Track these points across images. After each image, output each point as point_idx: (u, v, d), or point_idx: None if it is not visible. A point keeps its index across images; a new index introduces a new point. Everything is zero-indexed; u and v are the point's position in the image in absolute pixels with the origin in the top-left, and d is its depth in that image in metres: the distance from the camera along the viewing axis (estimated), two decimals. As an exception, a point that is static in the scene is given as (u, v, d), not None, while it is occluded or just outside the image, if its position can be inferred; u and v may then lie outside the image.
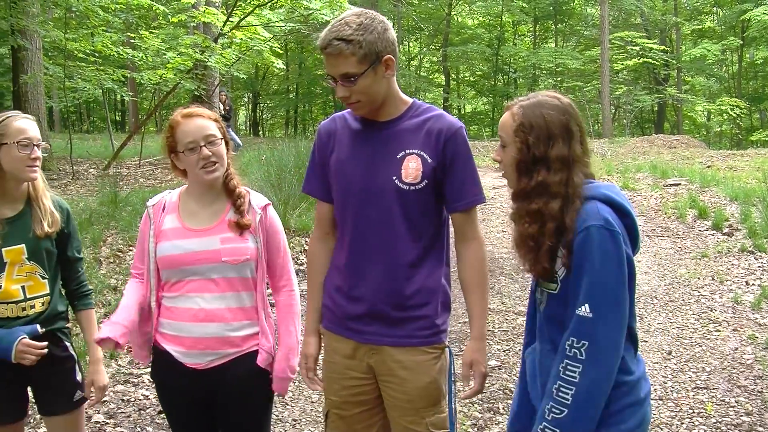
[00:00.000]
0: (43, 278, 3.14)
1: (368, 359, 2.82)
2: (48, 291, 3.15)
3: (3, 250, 3.02)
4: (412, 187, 2.70)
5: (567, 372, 2.29)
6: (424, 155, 2.71)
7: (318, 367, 3.05)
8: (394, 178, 2.71)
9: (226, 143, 3.01)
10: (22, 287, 3.07)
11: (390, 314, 2.76)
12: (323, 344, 3.02)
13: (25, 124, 3.07)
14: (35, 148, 3.07)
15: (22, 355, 2.96)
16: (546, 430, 2.31)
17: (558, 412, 2.29)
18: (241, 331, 2.91)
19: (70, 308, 3.34)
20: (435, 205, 2.79)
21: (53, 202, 3.21)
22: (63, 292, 3.27)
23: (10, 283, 3.04)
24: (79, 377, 3.28)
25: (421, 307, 2.76)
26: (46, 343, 3.03)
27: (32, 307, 3.09)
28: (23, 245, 3.07)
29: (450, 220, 2.88)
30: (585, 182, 2.44)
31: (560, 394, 2.29)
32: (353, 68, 2.59)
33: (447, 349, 2.86)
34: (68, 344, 3.26)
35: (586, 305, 2.27)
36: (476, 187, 2.80)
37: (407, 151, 2.72)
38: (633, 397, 2.38)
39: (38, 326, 3.03)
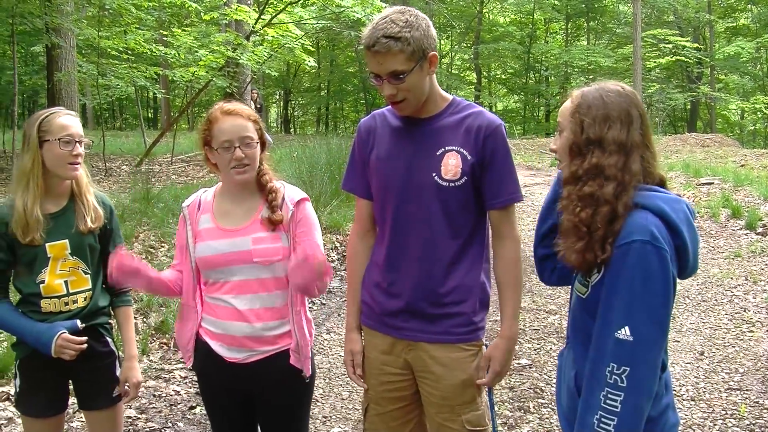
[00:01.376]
0: (86, 273, 3.16)
1: (405, 355, 2.84)
2: (90, 286, 3.17)
3: (47, 245, 3.05)
4: (452, 184, 2.70)
5: (608, 401, 2.16)
6: (464, 152, 2.71)
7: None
8: (434, 174, 2.71)
9: (262, 144, 2.99)
10: (65, 282, 3.09)
11: (427, 311, 2.77)
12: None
13: (68, 121, 3.10)
14: (77, 144, 3.10)
15: (62, 350, 2.99)
16: None
17: None
18: (274, 330, 2.90)
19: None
20: (474, 202, 2.77)
21: (97, 198, 3.24)
22: (104, 288, 3.28)
23: (53, 278, 3.06)
24: (118, 373, 3.30)
25: (459, 304, 2.76)
26: (85, 338, 3.05)
27: (75, 302, 3.11)
28: (66, 240, 3.10)
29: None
30: (644, 187, 2.30)
31: (602, 425, 2.16)
32: (401, 65, 2.58)
33: (484, 347, 2.85)
34: (109, 340, 3.28)
35: (626, 328, 2.13)
36: (514, 185, 2.78)
37: (446, 148, 2.72)
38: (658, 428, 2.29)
39: (78, 321, 3.06)
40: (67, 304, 3.09)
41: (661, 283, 2.16)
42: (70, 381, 3.28)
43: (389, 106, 2.84)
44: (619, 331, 2.14)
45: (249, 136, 2.89)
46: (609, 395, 2.16)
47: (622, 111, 2.28)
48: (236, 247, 2.88)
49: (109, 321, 3.32)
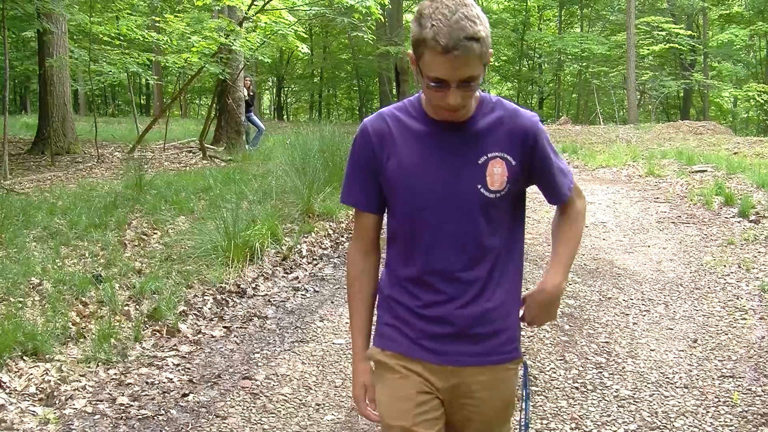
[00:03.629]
0: None
1: (444, 382, 2.50)
2: None
3: None
4: (497, 195, 2.40)
5: None
6: (508, 158, 2.41)
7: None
8: (479, 186, 2.38)
9: None
10: None
11: (475, 332, 2.47)
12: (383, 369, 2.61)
13: None
14: None
15: None
16: None
17: None
18: None
19: None
20: (517, 208, 2.52)
21: None
22: None
23: None
24: None
25: (506, 319, 2.52)
26: None
27: None
28: None
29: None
30: None
31: None
32: (477, 70, 2.23)
33: (523, 362, 2.64)
34: None
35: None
36: (568, 174, 2.57)
37: (489, 155, 2.40)
38: None
39: None
40: None
41: None
42: None
43: (396, 106, 2.53)
44: None
45: None
46: None
47: None
48: None
49: None
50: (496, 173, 2.40)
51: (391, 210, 2.52)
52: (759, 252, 8.45)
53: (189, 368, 5.42)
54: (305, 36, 26.42)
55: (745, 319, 6.49)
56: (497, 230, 2.45)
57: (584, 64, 36.41)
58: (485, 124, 2.42)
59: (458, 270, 2.43)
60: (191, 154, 16.38)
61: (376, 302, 2.63)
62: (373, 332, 2.63)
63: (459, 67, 2.19)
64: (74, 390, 4.87)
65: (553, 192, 2.54)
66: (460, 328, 2.46)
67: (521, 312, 2.59)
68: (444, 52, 2.16)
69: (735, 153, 16.81)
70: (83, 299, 6.22)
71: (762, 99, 29.78)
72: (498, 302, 2.47)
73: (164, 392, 5.01)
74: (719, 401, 4.95)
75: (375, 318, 2.63)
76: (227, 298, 6.88)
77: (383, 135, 2.47)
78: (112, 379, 5.12)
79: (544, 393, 5.07)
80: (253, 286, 7.29)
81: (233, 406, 4.80)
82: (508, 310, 2.51)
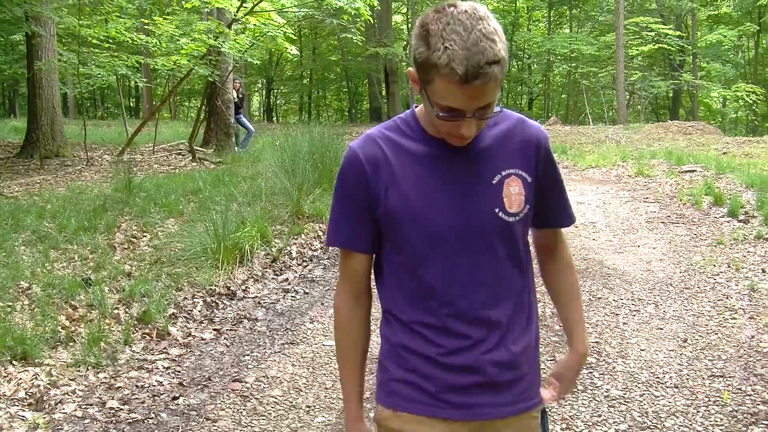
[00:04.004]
0: None
1: None
2: None
3: None
4: (517, 217, 2.10)
5: None
6: (524, 175, 2.12)
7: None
8: (497, 210, 2.07)
9: None
10: None
11: (502, 379, 2.16)
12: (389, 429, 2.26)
13: None
14: None
15: None
16: None
17: None
18: None
19: None
20: (527, 233, 2.22)
21: None
22: None
23: None
24: None
25: (530, 363, 2.23)
26: None
27: None
28: None
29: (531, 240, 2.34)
30: None
31: None
32: (496, 93, 1.93)
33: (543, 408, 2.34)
34: None
35: None
36: (569, 202, 2.34)
37: (504, 173, 2.09)
38: None
39: None
40: None
41: None
42: None
43: (386, 126, 2.19)
44: None
45: None
46: None
47: None
48: None
49: None
50: (513, 193, 2.10)
51: (391, 246, 2.15)
52: (748, 252, 8.47)
53: (179, 371, 5.41)
54: (294, 38, 26.41)
55: (734, 318, 6.51)
56: (517, 260, 2.15)
57: (573, 64, 36.45)
58: (493, 138, 2.12)
59: (481, 309, 2.11)
60: (181, 156, 16.35)
61: (381, 354, 2.27)
62: (377, 390, 2.28)
63: (477, 97, 1.88)
64: (64, 394, 4.86)
65: (560, 212, 2.29)
66: (488, 377, 2.14)
67: (552, 389, 2.35)
68: (462, 82, 1.82)
69: (724, 153, 16.86)
70: (73, 303, 6.19)
71: (750, 99, 29.91)
72: (524, 344, 2.18)
73: (154, 395, 4.99)
74: (709, 401, 4.96)
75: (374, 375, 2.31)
76: (217, 301, 6.86)
77: (377, 162, 2.09)
78: (102, 382, 5.10)
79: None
80: (243, 288, 7.27)
81: (223, 409, 4.79)
82: (532, 353, 2.23)
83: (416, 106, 2.15)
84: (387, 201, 2.08)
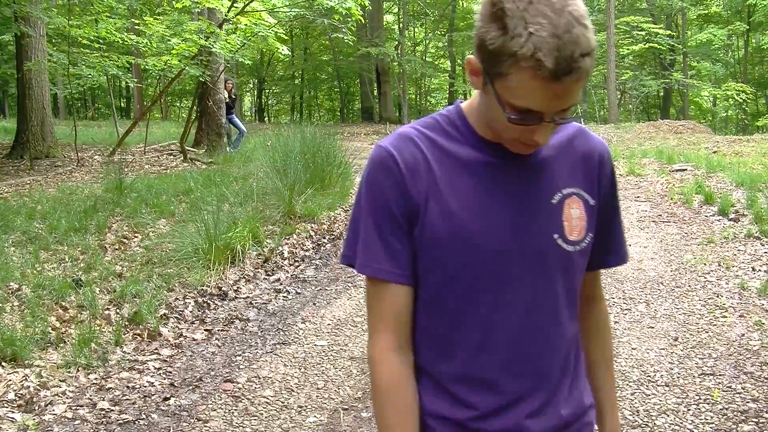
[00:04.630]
0: None
1: None
2: None
3: None
4: (577, 247, 1.70)
5: None
6: (585, 195, 1.74)
7: None
8: (556, 236, 1.67)
9: None
10: None
11: None
12: None
13: None
14: None
15: None
16: None
17: None
18: None
19: None
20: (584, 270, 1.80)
21: None
22: None
23: None
24: None
25: (593, 408, 1.88)
26: None
27: None
28: None
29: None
30: None
31: None
32: (580, 94, 1.58)
33: None
34: None
35: None
36: (624, 236, 1.94)
37: (564, 192, 1.70)
38: None
39: None
40: None
41: None
42: None
43: (425, 123, 1.74)
44: None
45: None
46: None
47: None
48: None
49: None
50: (575, 217, 1.71)
51: (421, 274, 1.69)
52: (738, 250, 8.49)
53: (170, 372, 5.40)
54: (285, 38, 26.40)
55: (725, 317, 6.53)
56: (572, 301, 1.75)
57: (564, 64, 36.52)
58: (553, 147, 1.72)
59: (527, 359, 1.68)
60: (172, 156, 16.31)
61: None
62: None
63: (563, 96, 1.48)
64: (54, 395, 4.84)
65: (613, 249, 1.88)
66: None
67: None
68: (552, 78, 1.42)
69: (714, 152, 16.90)
70: (63, 304, 6.18)
71: (740, 98, 30.02)
72: (575, 405, 1.78)
73: (145, 396, 4.98)
74: (700, 399, 4.97)
75: None
76: (208, 301, 6.85)
77: (417, 166, 1.65)
78: (93, 383, 5.09)
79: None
80: (235, 288, 7.27)
81: (215, 410, 4.78)
82: (588, 418, 1.84)
83: (461, 101, 1.76)
84: (427, 214, 1.63)
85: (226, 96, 17.60)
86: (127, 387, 5.11)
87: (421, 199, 1.63)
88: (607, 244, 1.85)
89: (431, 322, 1.70)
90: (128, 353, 5.68)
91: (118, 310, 6.32)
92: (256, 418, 4.70)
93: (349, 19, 17.13)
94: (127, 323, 6.11)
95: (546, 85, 1.44)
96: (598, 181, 1.77)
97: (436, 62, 42.08)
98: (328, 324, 6.36)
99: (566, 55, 1.41)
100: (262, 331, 6.27)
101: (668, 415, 4.75)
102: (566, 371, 1.74)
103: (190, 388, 5.12)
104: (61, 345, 5.55)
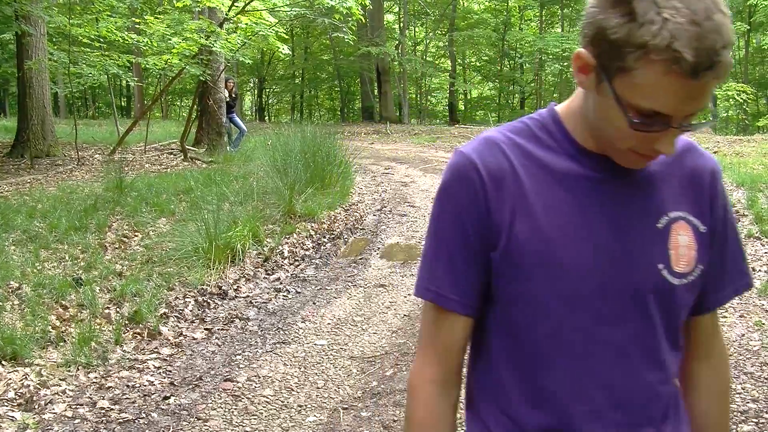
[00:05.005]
0: None
1: None
2: None
3: None
4: (685, 281, 1.44)
5: None
6: (695, 221, 1.47)
7: None
8: (660, 266, 1.41)
9: None
10: None
11: None
12: None
13: None
14: None
15: None
16: None
17: None
18: None
19: None
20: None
21: None
22: None
23: None
24: None
25: None
26: None
27: None
28: None
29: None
30: None
31: None
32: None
33: None
34: None
35: None
36: (745, 260, 1.64)
37: (671, 215, 1.45)
38: None
39: None
40: None
41: None
42: None
43: (513, 128, 1.50)
44: None
45: None
46: None
47: None
48: None
49: None
50: (682, 245, 1.45)
51: (500, 308, 1.46)
52: (739, 250, 8.49)
53: (170, 371, 5.40)
54: (286, 37, 26.41)
55: (725, 317, 6.52)
56: (675, 341, 1.49)
57: (565, 63, 36.51)
58: (660, 162, 1.45)
59: (621, 408, 1.43)
60: (172, 155, 16.31)
61: None
62: None
63: (699, 96, 1.25)
64: (54, 394, 4.85)
65: (729, 280, 1.59)
66: None
67: None
68: (690, 73, 1.19)
69: (715, 152, 16.88)
70: (63, 303, 6.18)
71: (741, 98, 29.96)
72: None
73: (145, 395, 4.98)
74: (700, 399, 4.96)
75: None
76: (208, 300, 6.85)
77: (503, 177, 1.41)
78: (93, 382, 5.09)
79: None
80: (235, 287, 7.27)
81: (215, 409, 4.78)
82: None
83: (555, 104, 1.53)
84: (513, 235, 1.39)
85: (227, 95, 17.60)
86: (127, 386, 5.11)
87: (506, 217, 1.39)
88: (721, 278, 1.56)
89: (514, 360, 1.46)
90: (128, 352, 5.68)
91: (118, 309, 6.32)
92: (255, 417, 4.70)
93: (350, 19, 17.14)
94: (127, 322, 6.11)
95: (681, 82, 1.21)
96: (709, 205, 1.50)
97: (437, 62, 42.07)
98: (328, 323, 6.36)
99: (707, 46, 1.18)
100: (262, 331, 6.27)
101: (668, 415, 4.75)
102: (666, 421, 1.48)
103: (190, 387, 5.12)
104: (61, 344, 5.55)
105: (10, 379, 4.91)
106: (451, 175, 1.44)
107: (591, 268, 1.37)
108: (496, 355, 1.47)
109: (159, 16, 16.82)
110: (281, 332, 6.22)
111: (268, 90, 46.87)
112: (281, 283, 7.54)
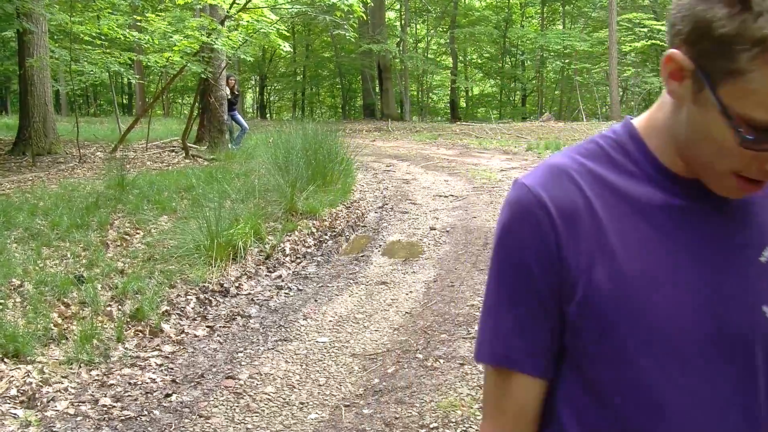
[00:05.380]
0: None
1: None
2: None
3: None
4: None
5: None
6: None
7: None
8: (766, 308, 1.17)
9: None
10: None
11: None
12: None
13: None
14: None
15: None
16: None
17: None
18: None
19: None
20: None
21: None
22: None
23: None
24: None
25: None
26: None
27: None
28: None
29: None
30: None
31: None
32: None
33: None
34: None
35: None
36: None
37: None
38: None
39: None
40: None
41: None
42: None
43: (584, 150, 1.25)
44: None
45: None
46: None
47: None
48: None
49: None
50: None
51: (577, 367, 1.22)
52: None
53: (172, 368, 5.41)
54: (287, 34, 26.41)
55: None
56: None
57: (567, 60, 36.51)
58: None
59: None
60: (174, 153, 16.31)
61: None
62: None
63: None
64: (56, 392, 4.85)
65: None
66: None
67: None
68: None
69: None
70: (65, 300, 6.18)
71: (743, 95, 29.95)
72: None
73: (147, 393, 4.98)
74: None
75: None
76: (210, 298, 6.85)
77: (577, 214, 1.17)
78: (95, 380, 5.10)
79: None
80: (236, 285, 7.27)
81: (216, 406, 4.78)
82: None
83: (631, 118, 1.28)
84: (592, 283, 1.15)
85: (228, 92, 17.60)
86: (129, 383, 5.11)
87: (583, 264, 1.15)
88: None
89: (593, 425, 1.21)
90: (130, 350, 5.68)
91: (119, 307, 6.32)
92: (257, 414, 4.70)
93: (351, 16, 17.16)
94: (128, 320, 6.11)
95: None
96: None
97: (438, 59, 42.07)
98: (330, 321, 6.36)
99: None
100: (263, 328, 6.26)
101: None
102: None
103: (192, 384, 5.12)
104: (63, 341, 5.56)
105: (13, 376, 4.91)
106: (512, 214, 1.20)
107: (683, 314, 1.14)
108: (563, 421, 1.24)
109: (160, 14, 16.83)
110: (283, 329, 6.22)
111: (269, 87, 46.91)
112: (283, 281, 7.54)
